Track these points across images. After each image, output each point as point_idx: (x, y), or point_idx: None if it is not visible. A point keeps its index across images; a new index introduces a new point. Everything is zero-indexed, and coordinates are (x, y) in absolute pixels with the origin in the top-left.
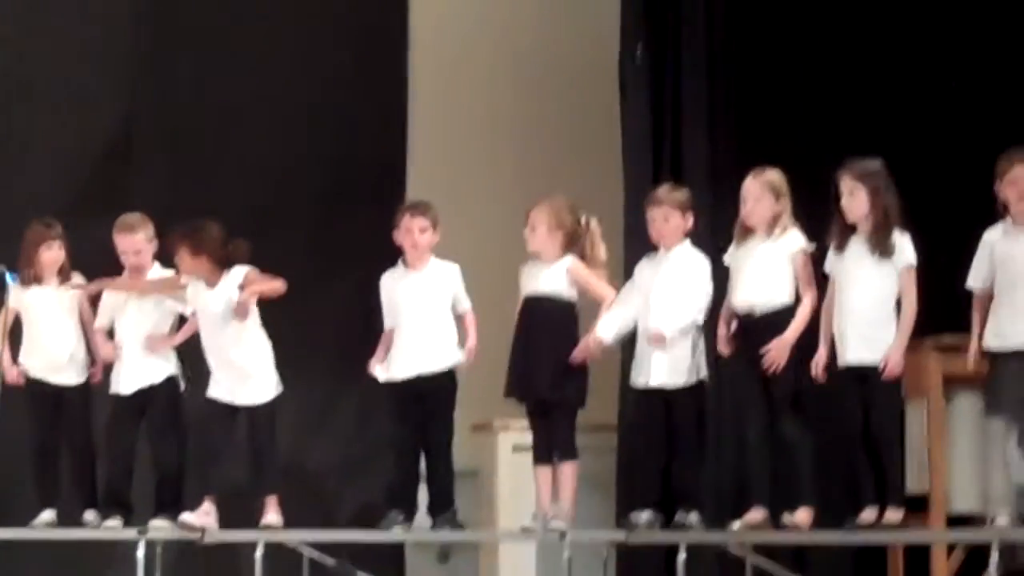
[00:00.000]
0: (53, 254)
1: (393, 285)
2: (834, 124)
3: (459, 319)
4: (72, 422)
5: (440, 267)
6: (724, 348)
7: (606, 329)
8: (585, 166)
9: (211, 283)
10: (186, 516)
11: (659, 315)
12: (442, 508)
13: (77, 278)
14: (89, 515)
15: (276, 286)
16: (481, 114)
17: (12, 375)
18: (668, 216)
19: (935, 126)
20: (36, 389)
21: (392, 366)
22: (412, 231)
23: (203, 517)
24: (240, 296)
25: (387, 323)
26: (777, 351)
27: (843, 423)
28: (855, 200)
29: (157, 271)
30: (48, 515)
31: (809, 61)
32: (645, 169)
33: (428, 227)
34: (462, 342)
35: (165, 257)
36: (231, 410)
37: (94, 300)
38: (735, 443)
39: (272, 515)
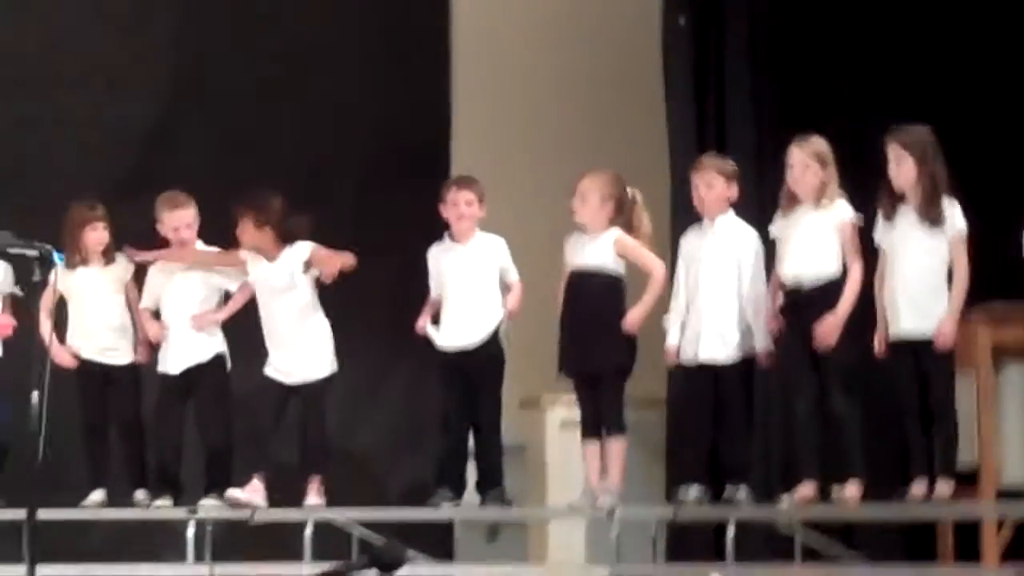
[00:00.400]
0: (98, 235)
1: (440, 257)
2: (880, 91)
3: (508, 290)
4: (121, 402)
5: (486, 240)
6: (772, 322)
7: (674, 335)
8: (629, 139)
9: (271, 257)
10: (233, 492)
11: (711, 294)
12: (491, 485)
13: (121, 258)
14: (139, 494)
15: (349, 261)
16: (524, 88)
17: (65, 359)
18: (712, 182)
19: (983, 92)
20: (84, 369)
21: (441, 336)
22: (458, 204)
23: (252, 493)
24: (324, 273)
25: (433, 291)
26: (829, 329)
27: (896, 395)
28: (902, 168)
29: (203, 249)
30: (99, 495)
31: (854, 27)
32: (689, 141)
33: (474, 200)
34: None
35: (207, 235)
36: (286, 390)
37: (139, 280)
38: (783, 418)
39: (314, 496)
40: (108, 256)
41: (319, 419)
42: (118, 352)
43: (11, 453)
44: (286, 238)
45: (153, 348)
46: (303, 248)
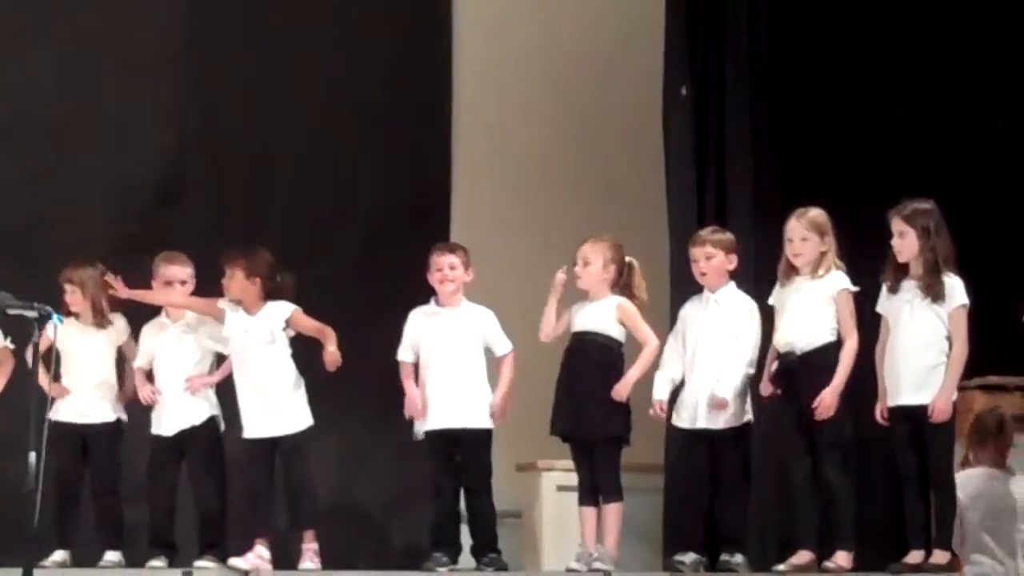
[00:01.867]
0: (70, 298)
1: (423, 322)
2: (880, 162)
3: (497, 363)
4: (99, 461)
5: (473, 310)
6: (765, 389)
7: (661, 390)
8: (628, 206)
9: (252, 311)
10: (235, 561)
11: (708, 363)
12: (486, 550)
13: (117, 320)
14: (111, 555)
15: (331, 338)
16: (525, 152)
17: (60, 390)
18: (711, 255)
19: (984, 166)
20: (63, 429)
21: (429, 420)
22: (442, 268)
23: (256, 559)
24: (328, 354)
25: (405, 356)
26: (828, 402)
27: (894, 463)
28: (905, 242)
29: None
30: (60, 555)
31: (854, 100)
32: (689, 209)
33: (458, 265)
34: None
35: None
36: (270, 446)
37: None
38: (779, 484)
39: (310, 561)
40: (96, 316)
41: (304, 472)
42: (98, 410)
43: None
44: (271, 294)
45: (145, 409)
46: (284, 307)
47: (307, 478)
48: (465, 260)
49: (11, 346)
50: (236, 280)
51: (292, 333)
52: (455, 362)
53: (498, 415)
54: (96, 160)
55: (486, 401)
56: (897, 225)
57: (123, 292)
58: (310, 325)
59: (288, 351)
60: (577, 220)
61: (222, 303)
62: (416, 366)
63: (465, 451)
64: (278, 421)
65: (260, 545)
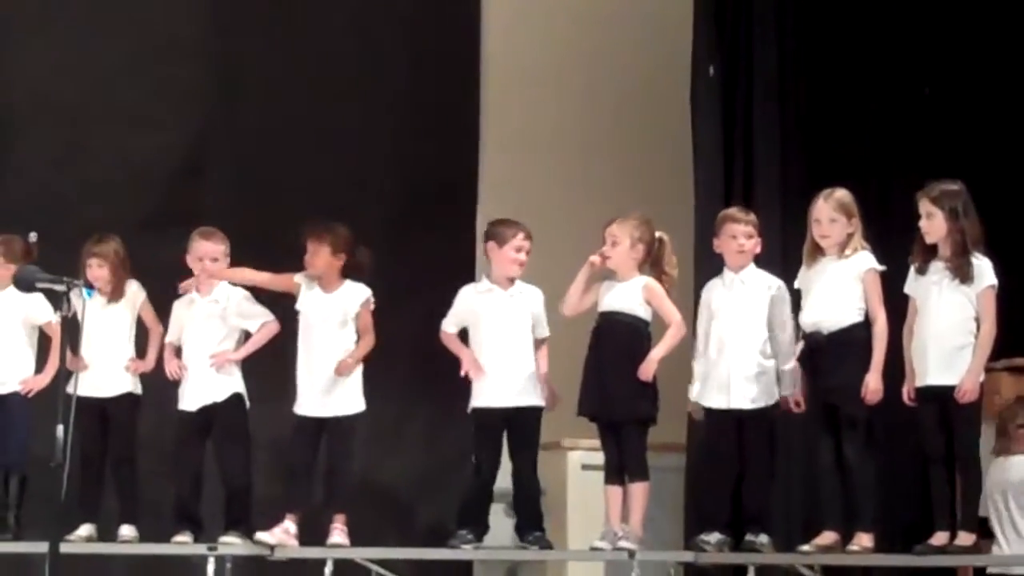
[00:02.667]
0: (92, 272)
1: (476, 298)
2: (909, 143)
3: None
4: (117, 435)
5: (525, 289)
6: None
7: (696, 386)
8: (655, 187)
9: (329, 288)
10: (261, 535)
11: (737, 343)
12: (532, 527)
13: (131, 292)
14: (126, 530)
15: (369, 344)
16: (552, 133)
17: (80, 364)
18: (751, 234)
19: (1013, 145)
20: (84, 403)
21: (481, 397)
22: (522, 251)
23: (282, 535)
24: (343, 363)
25: (449, 327)
26: (873, 384)
27: (921, 444)
28: (932, 223)
29: (224, 288)
30: (87, 529)
31: (881, 80)
32: (716, 190)
33: (528, 248)
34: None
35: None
36: (318, 425)
37: (163, 313)
38: (804, 465)
39: (339, 535)
40: (116, 292)
41: (348, 456)
42: (117, 383)
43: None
44: (351, 270)
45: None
46: (363, 291)
47: (349, 462)
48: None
49: (57, 319)
50: (321, 256)
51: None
52: (507, 340)
53: (551, 403)
54: (119, 141)
55: (536, 379)
56: (924, 206)
57: (185, 285)
58: (367, 325)
59: (355, 334)
60: (604, 200)
61: (298, 277)
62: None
63: (515, 429)
64: (333, 402)
65: (289, 520)
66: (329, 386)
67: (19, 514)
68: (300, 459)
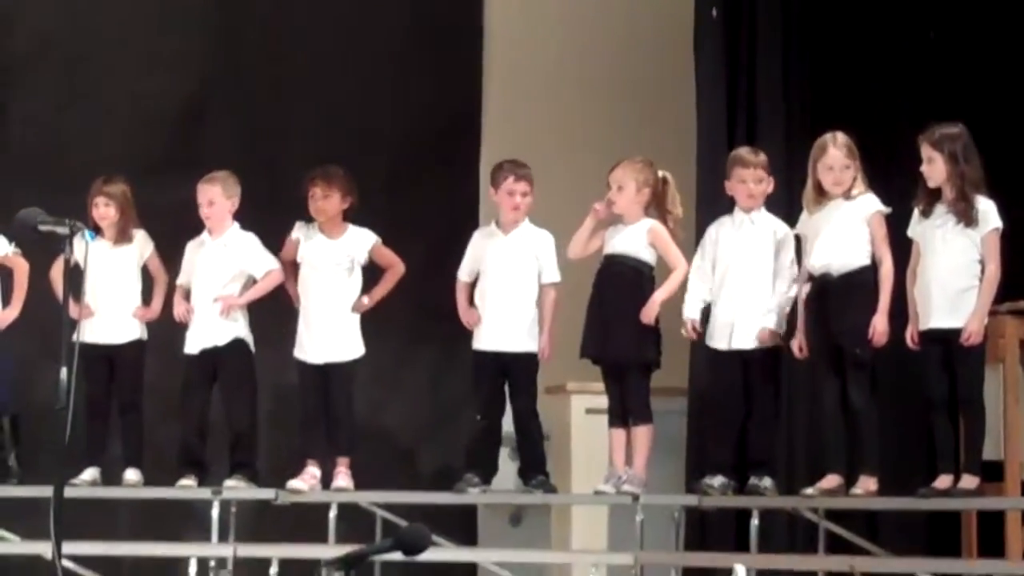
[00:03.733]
0: (99, 212)
1: (482, 243)
2: (913, 85)
3: (542, 288)
4: (123, 381)
5: (532, 233)
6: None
7: (692, 309)
8: (657, 129)
9: (334, 234)
10: (294, 483)
11: (743, 284)
12: (535, 471)
13: (138, 237)
14: (131, 473)
15: (397, 274)
16: (554, 76)
17: (85, 311)
18: (761, 178)
19: (1018, 88)
20: (90, 349)
21: (480, 338)
22: (515, 194)
23: (309, 480)
24: (363, 300)
25: (462, 275)
26: (881, 327)
27: (924, 387)
28: (933, 167)
29: (234, 231)
30: (91, 473)
31: (886, 23)
32: (719, 133)
33: (529, 191)
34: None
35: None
36: (322, 372)
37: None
38: (809, 408)
39: (342, 479)
40: (122, 234)
41: (348, 401)
42: (124, 330)
43: (22, 427)
44: (350, 214)
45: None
46: (368, 235)
47: (351, 406)
48: (532, 181)
49: (17, 251)
50: (333, 200)
51: (366, 262)
52: (508, 285)
53: (546, 353)
54: (122, 85)
55: (536, 324)
56: (925, 150)
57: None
58: (389, 258)
59: (361, 280)
60: (607, 142)
61: (295, 233)
62: (473, 286)
63: (514, 373)
64: (334, 348)
65: (312, 466)
66: (331, 332)
67: (19, 453)
68: (311, 405)
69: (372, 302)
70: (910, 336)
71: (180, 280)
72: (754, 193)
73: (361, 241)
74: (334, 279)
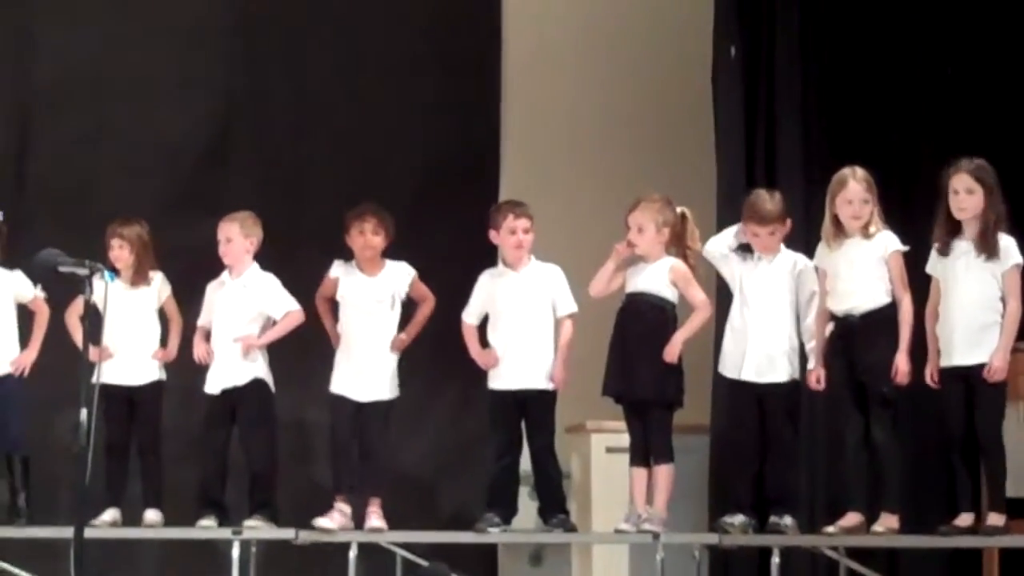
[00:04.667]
0: (114, 253)
1: (491, 284)
2: (929, 123)
3: (558, 322)
4: (142, 422)
5: (540, 269)
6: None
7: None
8: (676, 162)
9: (373, 271)
10: (320, 521)
11: (761, 317)
12: (555, 510)
13: (156, 278)
14: (151, 514)
15: (430, 308)
16: (573, 113)
17: (104, 353)
18: (775, 231)
19: None
20: (110, 390)
21: (496, 378)
22: (516, 232)
23: (339, 518)
24: (401, 337)
25: (469, 317)
26: (903, 366)
27: (945, 425)
28: (972, 199)
29: (255, 272)
30: (111, 514)
31: (904, 60)
32: (738, 171)
33: (531, 227)
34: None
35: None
36: (356, 408)
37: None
38: (829, 445)
39: (376, 519)
40: (138, 276)
41: (384, 440)
42: (143, 371)
43: (32, 467)
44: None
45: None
46: (406, 269)
47: (385, 446)
48: (532, 218)
49: (42, 294)
50: (381, 236)
51: (406, 297)
52: (522, 323)
53: (557, 380)
54: (144, 123)
55: (552, 362)
56: (963, 181)
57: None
58: (424, 292)
59: (400, 315)
60: (626, 178)
61: (334, 271)
62: (484, 327)
63: (531, 412)
64: (377, 385)
65: (341, 502)
66: (373, 370)
67: (28, 495)
68: (343, 440)
69: (410, 339)
70: (930, 374)
71: (201, 321)
72: (768, 245)
73: (400, 275)
74: (375, 315)
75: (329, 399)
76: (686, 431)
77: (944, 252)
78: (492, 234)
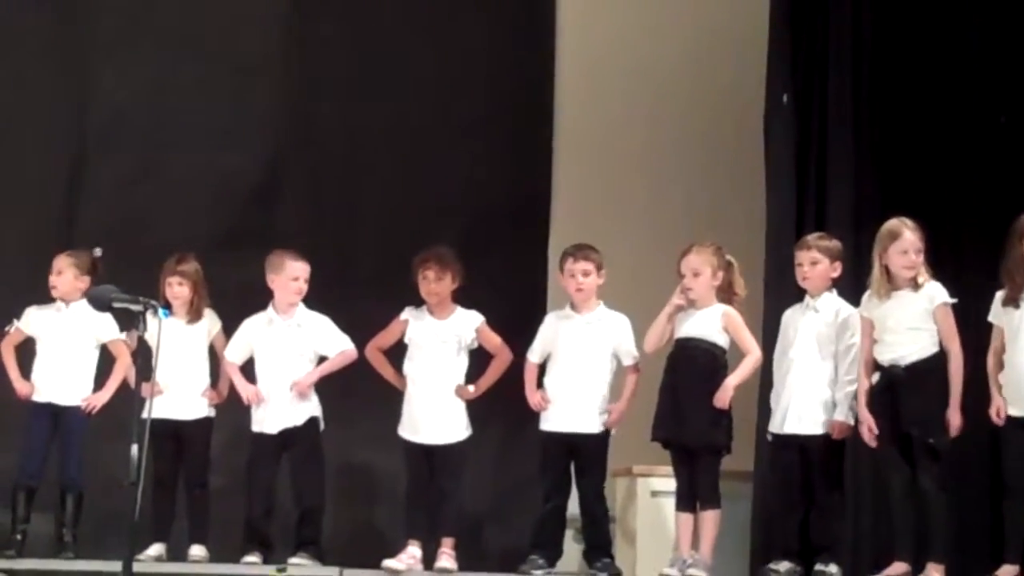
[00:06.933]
0: (172, 291)
1: (555, 325)
2: (981, 172)
3: (626, 370)
4: (192, 458)
5: (606, 316)
6: (866, 401)
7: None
8: (726, 210)
9: (442, 315)
10: (389, 562)
11: (805, 370)
12: (600, 554)
13: (209, 315)
14: (196, 550)
15: (504, 362)
16: (625, 156)
17: (156, 389)
18: (816, 260)
19: None
20: (159, 425)
21: (549, 420)
22: (575, 275)
23: (408, 560)
24: (468, 388)
25: (535, 358)
26: (956, 421)
27: (1003, 472)
28: None
29: (306, 312)
30: (157, 549)
31: (956, 109)
32: (788, 219)
33: (592, 270)
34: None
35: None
36: (426, 451)
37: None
38: (875, 494)
39: (446, 560)
40: (195, 312)
41: (458, 482)
42: (193, 407)
43: (85, 502)
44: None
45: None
46: (474, 316)
47: (459, 487)
48: (599, 263)
49: (124, 338)
50: (446, 283)
51: (474, 344)
52: (579, 366)
53: (613, 421)
54: (194, 161)
55: (604, 406)
56: None
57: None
58: (495, 342)
59: (467, 361)
60: (675, 226)
61: (404, 314)
62: (543, 366)
63: (582, 455)
64: (442, 429)
65: (413, 546)
66: (438, 413)
67: (76, 532)
68: (416, 484)
69: (478, 392)
70: (995, 411)
71: (235, 357)
72: (808, 275)
73: (468, 322)
74: (442, 359)
75: (399, 444)
76: (731, 477)
77: (1015, 303)
78: (558, 276)
